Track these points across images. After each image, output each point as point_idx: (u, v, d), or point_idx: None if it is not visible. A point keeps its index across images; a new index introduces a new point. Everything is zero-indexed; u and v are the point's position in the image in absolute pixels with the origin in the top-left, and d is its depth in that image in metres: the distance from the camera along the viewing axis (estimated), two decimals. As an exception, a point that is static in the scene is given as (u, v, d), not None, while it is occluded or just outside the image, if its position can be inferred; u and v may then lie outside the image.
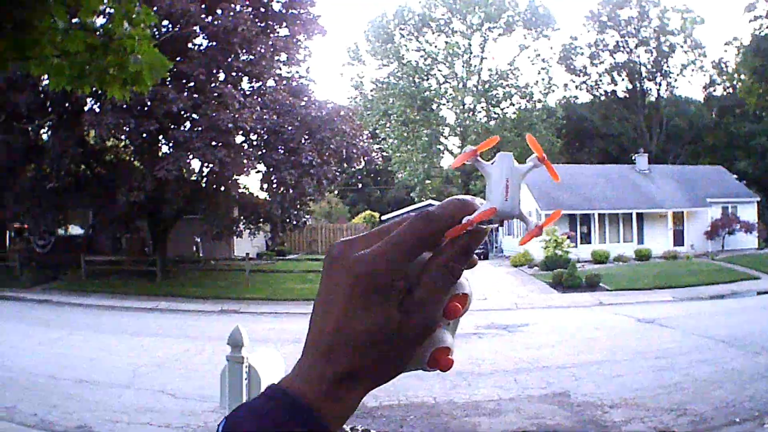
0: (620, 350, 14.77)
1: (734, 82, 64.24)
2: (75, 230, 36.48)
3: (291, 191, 28.98)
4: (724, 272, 31.46)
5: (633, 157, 50.01)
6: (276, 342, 16.93)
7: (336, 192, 64.35)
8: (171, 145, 27.68)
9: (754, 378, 11.08)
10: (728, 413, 9.35)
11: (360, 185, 79.16)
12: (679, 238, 42.87)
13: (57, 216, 29.88)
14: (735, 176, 49.27)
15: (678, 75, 68.80)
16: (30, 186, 28.00)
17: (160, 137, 28.24)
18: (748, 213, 43.81)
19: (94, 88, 6.59)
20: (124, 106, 23.25)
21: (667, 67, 68.45)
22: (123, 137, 28.85)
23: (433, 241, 0.80)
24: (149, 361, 13.60)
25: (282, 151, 28.58)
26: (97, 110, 25.80)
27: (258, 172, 29.49)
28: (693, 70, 69.12)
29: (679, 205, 43.27)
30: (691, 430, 8.83)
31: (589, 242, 41.35)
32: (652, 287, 27.82)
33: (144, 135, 27.13)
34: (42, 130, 29.26)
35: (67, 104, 27.35)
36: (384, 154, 68.18)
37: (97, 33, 6.22)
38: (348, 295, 0.77)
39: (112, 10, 6.47)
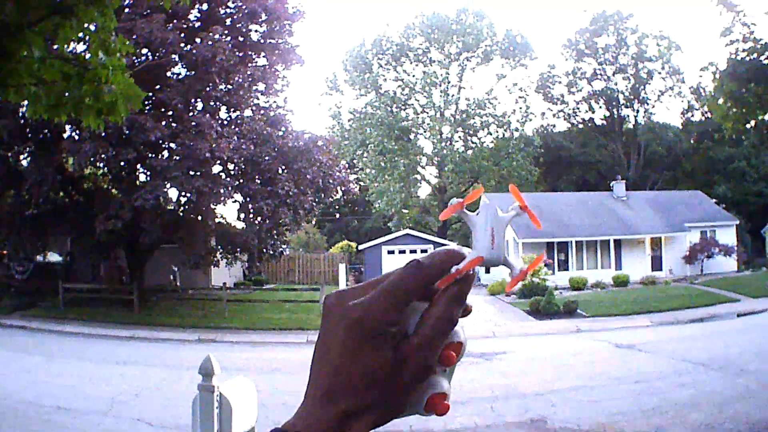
0: (598, 376, 14.68)
1: (711, 107, 64.57)
2: (54, 257, 36.25)
3: (267, 221, 28.97)
4: (702, 296, 31.52)
5: (611, 185, 50.19)
6: (253, 371, 16.75)
7: (313, 222, 64.25)
8: (148, 173, 27.59)
9: (733, 399, 11.03)
10: (707, 435, 9.25)
11: (337, 215, 79.07)
12: (657, 264, 42.98)
13: (36, 243, 29.74)
14: (714, 200, 49.57)
15: (656, 101, 69.25)
16: (9, 212, 27.85)
17: (138, 166, 28.16)
18: (727, 236, 44.01)
19: (71, 116, 6.55)
20: (102, 134, 23.24)
21: (645, 93, 68.84)
22: (101, 165, 28.68)
23: (423, 290, 0.86)
24: (127, 390, 13.45)
25: (259, 181, 28.59)
26: (76, 138, 25.68)
27: (235, 201, 29.43)
28: (671, 96, 69.55)
29: (657, 231, 43.42)
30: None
31: (567, 269, 41.41)
32: (630, 313, 27.80)
33: (122, 163, 27.14)
34: (21, 157, 29.01)
35: (46, 131, 27.18)
36: (361, 183, 68.34)
37: (73, 62, 6.19)
38: (343, 339, 0.82)
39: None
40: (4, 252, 32.71)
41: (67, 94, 6.07)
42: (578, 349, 19.69)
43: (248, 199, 28.64)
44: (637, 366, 15.65)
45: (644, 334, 22.24)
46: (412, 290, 0.84)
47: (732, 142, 58.99)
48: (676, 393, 12.05)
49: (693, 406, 10.96)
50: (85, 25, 6.18)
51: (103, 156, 25.80)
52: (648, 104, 69.47)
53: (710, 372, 13.74)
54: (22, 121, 25.73)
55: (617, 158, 66.52)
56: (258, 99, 31.84)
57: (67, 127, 25.76)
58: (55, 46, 6.34)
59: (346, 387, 0.81)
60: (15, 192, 28.18)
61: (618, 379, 14.15)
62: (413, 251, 51.24)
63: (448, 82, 67.90)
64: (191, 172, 26.09)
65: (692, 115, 70.33)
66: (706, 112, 66.03)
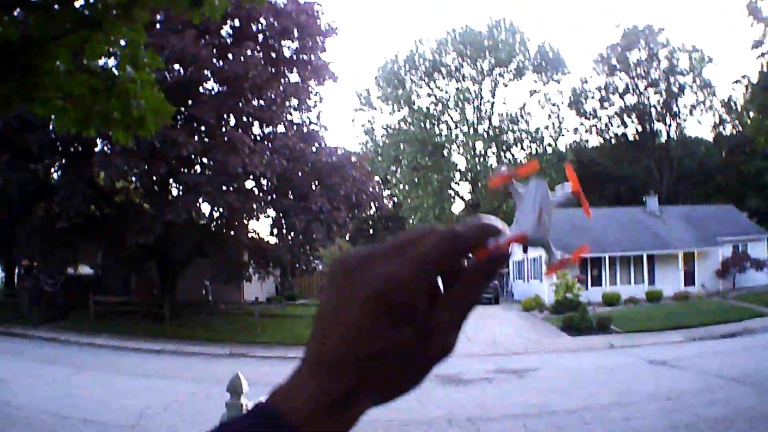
0: (631, 393, 14.60)
1: (743, 120, 64.14)
2: (84, 270, 36.62)
3: (300, 236, 29.13)
4: (735, 310, 31.22)
5: (643, 199, 49.93)
6: None
7: (347, 237, 64.28)
8: (181, 188, 27.79)
9: (766, 416, 10.94)
10: (740, 454, 9.25)
11: (371, 231, 78.95)
12: (690, 278, 42.63)
13: (66, 255, 29.99)
14: (745, 214, 49.14)
15: (687, 115, 68.90)
16: (40, 225, 28.16)
17: (170, 180, 28.33)
18: (759, 250, 43.59)
19: (99, 130, 6.64)
20: (134, 148, 23.33)
21: (677, 107, 68.52)
22: (133, 179, 28.91)
23: (456, 261, 0.78)
24: (156, 403, 13.48)
25: (292, 197, 28.64)
26: (107, 152, 25.88)
27: (268, 216, 29.62)
28: (702, 110, 69.13)
29: (690, 245, 43.10)
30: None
31: (600, 285, 41.13)
32: (662, 328, 27.59)
33: (154, 178, 27.24)
34: (52, 170, 29.37)
35: (77, 144, 27.45)
36: (395, 199, 68.40)
37: (100, 76, 6.28)
38: (362, 312, 0.73)
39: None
40: (35, 264, 33.01)
41: (94, 108, 6.07)
42: (611, 366, 19.58)
43: (281, 214, 28.87)
44: (669, 382, 15.53)
45: (677, 350, 22.07)
46: (446, 261, 0.75)
47: (764, 156, 58.47)
48: (709, 410, 11.96)
49: (726, 422, 10.87)
50: (113, 39, 6.23)
51: (134, 170, 25.90)
52: (680, 118, 69.13)
53: (743, 388, 13.63)
54: (53, 135, 25.89)
55: (650, 173, 66.09)
56: (291, 115, 31.95)
57: (98, 140, 25.99)
58: (84, 61, 6.37)
59: (358, 365, 0.73)
60: (45, 205, 28.53)
61: (650, 395, 14.08)
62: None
63: (481, 98, 68.01)
64: (223, 187, 26.21)
65: (723, 129, 69.80)
66: (737, 126, 65.77)
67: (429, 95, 69.54)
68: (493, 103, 68.44)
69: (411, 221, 69.51)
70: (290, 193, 28.80)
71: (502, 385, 17.14)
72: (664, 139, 69.36)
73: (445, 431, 11.87)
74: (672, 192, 62.77)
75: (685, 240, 43.55)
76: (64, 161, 28.35)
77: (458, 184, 71.10)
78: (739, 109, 64.77)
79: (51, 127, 24.94)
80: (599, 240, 42.31)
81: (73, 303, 29.93)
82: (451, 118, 69.33)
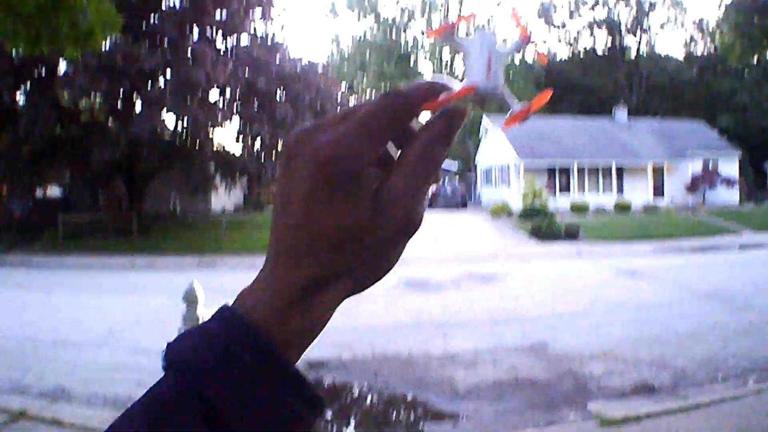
0: (599, 302, 14.49)
1: (715, 40, 63.77)
2: (54, 192, 36.19)
3: (266, 145, 29.25)
4: (705, 226, 31.32)
5: (612, 111, 49.64)
6: None
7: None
8: (144, 103, 27.36)
9: (737, 334, 10.78)
10: (711, 369, 9.08)
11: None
12: (659, 191, 42.76)
13: (34, 179, 29.81)
14: (716, 131, 49.00)
15: (658, 31, 68.72)
16: (6, 150, 27.52)
17: (134, 96, 27.88)
18: (729, 168, 43.71)
19: (52, 49, 6.39)
20: (96, 66, 23.48)
21: (647, 23, 67.96)
22: (96, 98, 28.58)
23: (404, 120, 0.68)
24: (126, 319, 13.18)
25: (256, 106, 28.61)
26: (70, 72, 25.45)
27: (233, 126, 29.44)
28: (673, 27, 68.81)
29: (659, 158, 43.05)
30: (672, 385, 8.53)
31: (568, 193, 41.06)
32: (631, 239, 27.67)
33: (118, 94, 26.94)
34: (17, 95, 28.71)
35: (41, 66, 26.84)
36: (362, 106, 68.60)
37: None
38: (310, 186, 0.63)
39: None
40: (3, 190, 32.38)
41: (43, 26, 5.89)
42: (579, 274, 19.54)
43: (246, 123, 28.86)
44: (639, 293, 15.44)
45: (646, 261, 22.06)
46: (393, 120, 0.66)
47: (735, 76, 58.28)
48: (679, 323, 11.84)
49: (696, 338, 10.74)
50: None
51: (97, 88, 25.59)
52: (650, 34, 68.73)
53: (713, 303, 13.51)
54: (15, 60, 25.30)
55: (619, 85, 65.85)
56: (254, 25, 31.46)
57: (63, 62, 25.71)
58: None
59: (312, 247, 0.64)
60: (11, 130, 27.93)
61: (620, 305, 13.98)
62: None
63: (448, 8, 67.05)
64: (187, 100, 25.99)
65: (694, 47, 69.47)
66: (708, 45, 65.29)
67: (396, 2, 68.61)
68: (460, 11, 67.45)
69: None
70: (255, 102, 28.75)
71: (469, 291, 17.00)
72: (633, 54, 68.92)
73: (410, 337, 11.64)
74: (641, 105, 62.56)
75: (654, 153, 43.47)
76: (27, 85, 27.62)
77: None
78: (711, 29, 64.37)
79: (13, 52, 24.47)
80: (568, 148, 42.21)
81: (43, 226, 29.47)
82: (418, 27, 68.70)
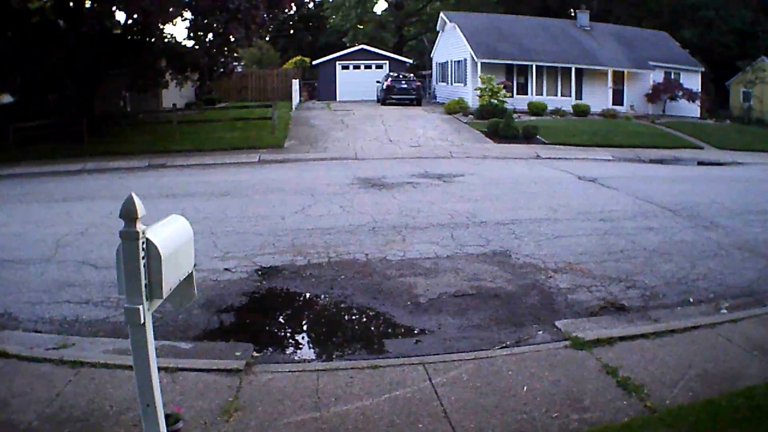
0: (561, 208, 14.08)
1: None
2: (4, 100, 34.57)
3: (218, 38, 28.49)
4: (665, 137, 31.10)
5: (574, 13, 48.62)
6: (202, 196, 16.07)
7: (267, 38, 62.72)
8: None
9: (706, 255, 10.39)
10: (681, 291, 8.70)
11: (292, 31, 77.24)
12: (618, 98, 42.30)
13: None
14: (679, 44, 48.40)
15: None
16: None
17: None
18: (691, 82, 43.35)
19: None
20: None
21: None
22: None
23: None
24: (73, 229, 12.44)
25: None
26: None
27: (185, 19, 28.63)
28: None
29: (620, 65, 42.41)
30: (642, 305, 8.14)
31: (526, 93, 40.41)
32: (591, 144, 27.37)
33: None
34: None
35: None
36: (316, -1, 66.94)
37: None
38: None
39: None
40: None
41: None
42: (539, 177, 19.13)
43: (198, 15, 27.83)
44: (601, 202, 15.03)
45: (606, 169, 21.74)
46: None
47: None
48: (645, 237, 11.42)
49: (663, 255, 10.32)
50: None
51: None
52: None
53: (679, 219, 13.09)
54: None
55: (581, -14, 64.44)
56: None
57: None
58: None
59: None
60: None
61: (582, 213, 13.56)
62: (368, 66, 50.23)
63: None
64: None
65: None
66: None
67: None
68: None
69: (332, 20, 68.22)
70: None
71: (427, 191, 16.56)
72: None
73: (366, 241, 11.13)
74: (603, 10, 61.19)
75: (615, 59, 42.77)
76: None
77: (381, -18, 69.34)
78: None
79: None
80: (527, 48, 41.40)
81: None
82: None
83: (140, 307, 2.97)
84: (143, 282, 2.97)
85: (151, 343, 3.09)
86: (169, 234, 3.20)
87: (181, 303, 3.58)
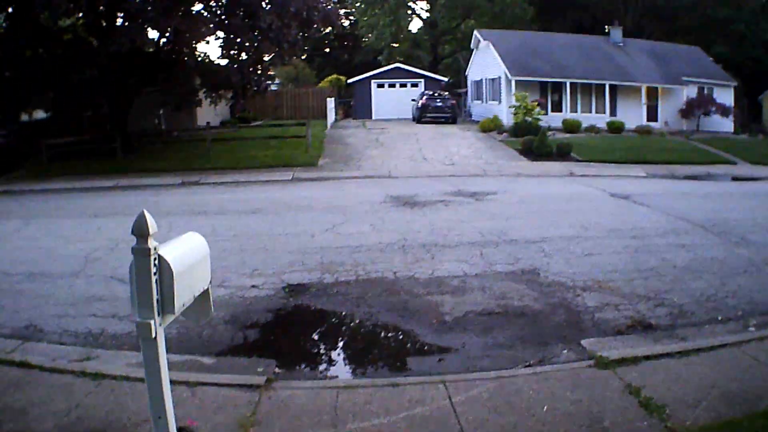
0: (592, 226, 13.99)
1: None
2: (38, 117, 35.29)
3: (251, 56, 28.83)
4: (699, 153, 30.72)
5: (607, 29, 48.40)
6: (233, 213, 16.21)
7: (303, 57, 63.19)
8: (125, 17, 26.72)
9: (736, 272, 10.27)
10: (710, 308, 8.61)
11: (327, 49, 77.86)
12: (652, 114, 41.98)
13: (17, 104, 29.14)
14: (711, 59, 47.97)
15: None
16: None
17: (115, 11, 27.12)
18: (725, 96, 42.90)
19: None
20: None
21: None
22: (77, 15, 28.18)
23: None
24: (103, 245, 12.65)
25: (241, 16, 27.77)
26: None
27: (218, 38, 29.07)
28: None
29: (654, 81, 42.12)
30: (669, 324, 8.08)
31: (561, 111, 40.30)
32: (624, 161, 27.14)
33: (97, 10, 26.49)
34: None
35: None
36: (351, 17, 67.03)
37: None
38: None
39: None
40: None
41: None
42: (572, 195, 19.00)
43: (230, 35, 28.10)
44: (633, 219, 14.92)
45: (639, 185, 21.52)
46: None
47: (732, 3, 56.86)
48: (675, 255, 11.32)
49: (693, 273, 10.22)
50: None
51: (77, 5, 25.22)
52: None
53: (710, 236, 12.94)
54: None
55: (614, 3, 63.92)
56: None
57: None
58: None
59: None
60: None
61: (614, 231, 13.46)
62: (403, 85, 50.42)
63: None
64: (170, 11, 25.26)
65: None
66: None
67: None
68: None
69: (367, 39, 68.43)
70: (239, 12, 27.90)
71: (458, 209, 16.54)
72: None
73: (395, 258, 11.16)
74: (635, 26, 60.79)
75: (649, 75, 42.50)
76: (6, 8, 26.80)
77: (415, 2, 69.69)
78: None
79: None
80: (561, 65, 41.28)
81: (28, 151, 28.60)
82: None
83: (152, 321, 3.02)
84: (155, 297, 3.03)
85: (163, 357, 3.14)
86: (183, 251, 3.26)
87: (198, 319, 3.64)
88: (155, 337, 3.07)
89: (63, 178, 24.33)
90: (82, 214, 17.21)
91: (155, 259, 3.00)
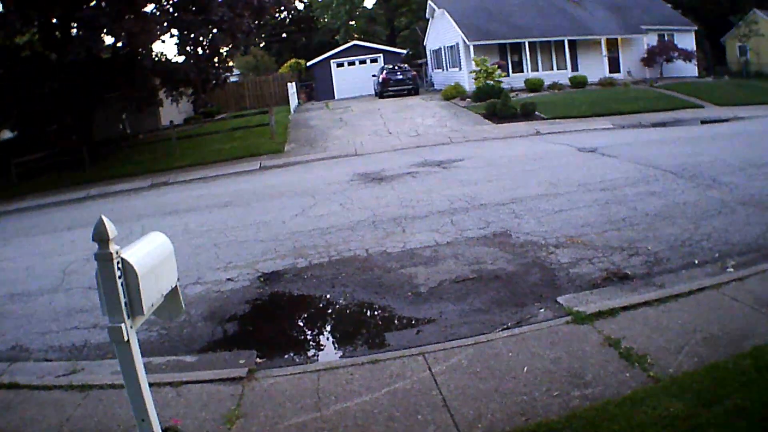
0: (562, 183, 13.92)
1: None
2: (7, 136, 35.06)
3: (206, 50, 28.77)
4: (665, 99, 30.75)
5: (561, -15, 48.25)
6: (204, 209, 16.01)
7: (261, 45, 62.75)
8: (79, 27, 26.29)
9: (710, 214, 10.23)
10: (685, 253, 8.56)
11: (284, 35, 77.36)
12: (614, 66, 42.00)
13: None
14: (669, 5, 47.97)
15: None
16: None
17: (69, 22, 26.93)
18: (686, 41, 42.99)
19: None
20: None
21: None
22: (33, 31, 28.29)
23: None
24: (79, 256, 12.40)
25: (193, 11, 27.54)
26: (2, 10, 24.78)
27: (172, 36, 28.69)
28: None
29: (613, 32, 42.09)
30: (645, 272, 8.01)
31: (522, 71, 40.22)
32: (590, 115, 27.11)
33: (52, 23, 26.63)
34: None
35: None
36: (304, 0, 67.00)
37: None
38: None
39: None
40: None
41: None
42: (539, 154, 18.91)
43: (184, 31, 27.89)
44: (602, 171, 14.83)
45: (607, 137, 21.44)
46: None
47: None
48: (647, 203, 11.28)
49: (666, 218, 10.19)
50: None
51: (29, 21, 25.34)
52: None
53: (680, 181, 12.89)
54: None
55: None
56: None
57: None
58: None
59: None
60: None
61: (583, 185, 13.39)
62: (363, 61, 50.22)
63: None
64: (121, 16, 25.12)
65: None
66: None
67: None
68: None
69: (322, 21, 68.25)
70: (191, 7, 27.69)
71: (426, 180, 16.41)
72: None
73: (366, 236, 11.04)
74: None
75: (607, 26, 42.46)
76: None
77: (366, -23, 69.28)
78: None
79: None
80: (518, 26, 41.19)
81: None
82: None
83: (122, 325, 3.06)
84: (123, 301, 3.07)
85: (138, 359, 3.16)
86: (147, 252, 3.26)
87: (170, 317, 3.69)
88: (128, 340, 3.10)
89: (34, 195, 23.94)
90: (56, 228, 16.89)
91: (119, 262, 2.97)
